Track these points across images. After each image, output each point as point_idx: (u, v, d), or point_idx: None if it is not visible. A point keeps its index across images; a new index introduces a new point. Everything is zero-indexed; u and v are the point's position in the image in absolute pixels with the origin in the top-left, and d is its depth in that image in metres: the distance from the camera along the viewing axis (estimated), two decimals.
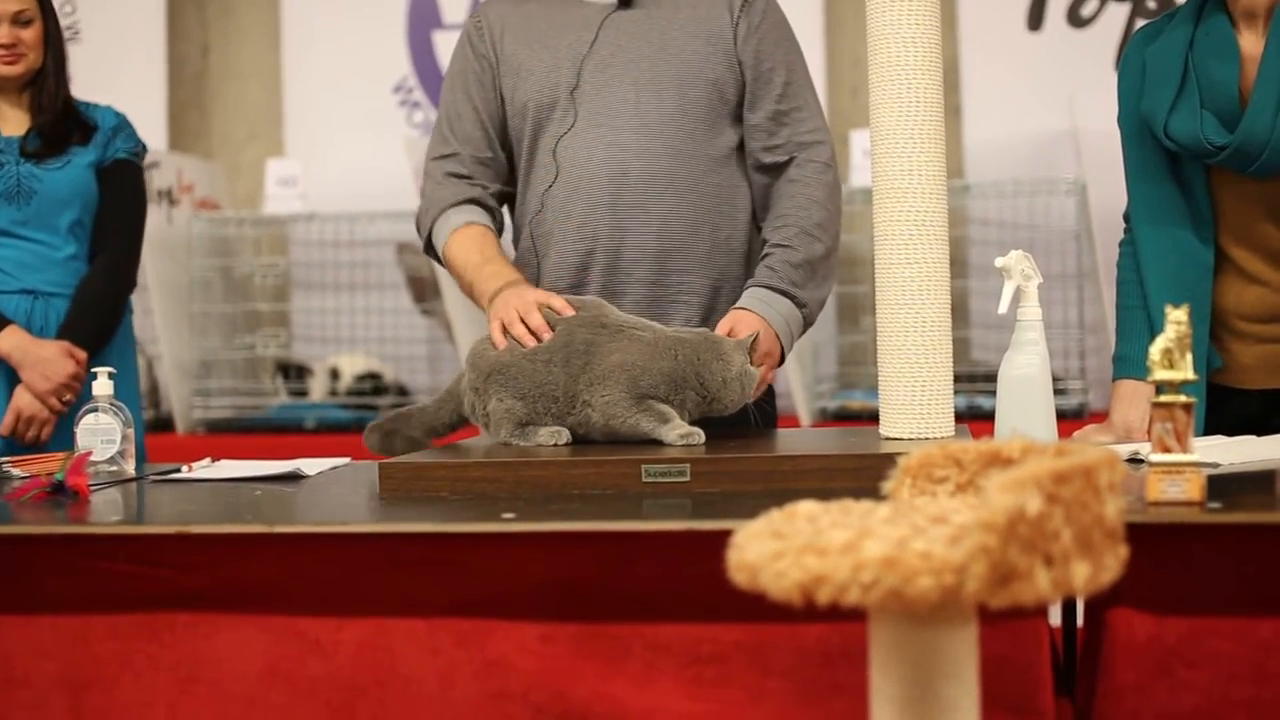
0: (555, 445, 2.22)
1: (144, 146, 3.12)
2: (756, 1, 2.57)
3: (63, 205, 2.95)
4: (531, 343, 2.27)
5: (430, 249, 2.63)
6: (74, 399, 2.87)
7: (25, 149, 2.95)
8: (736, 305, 2.45)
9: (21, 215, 2.92)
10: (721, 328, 2.38)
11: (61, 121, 2.99)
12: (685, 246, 2.50)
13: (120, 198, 3.03)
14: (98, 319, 2.96)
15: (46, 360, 2.85)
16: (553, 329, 2.27)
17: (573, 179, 2.51)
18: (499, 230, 2.61)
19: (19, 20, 2.95)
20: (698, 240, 2.51)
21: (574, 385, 2.23)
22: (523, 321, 2.29)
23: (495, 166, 2.61)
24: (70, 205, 2.96)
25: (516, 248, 2.63)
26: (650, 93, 2.50)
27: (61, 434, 2.87)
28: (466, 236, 2.54)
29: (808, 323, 2.51)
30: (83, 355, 2.89)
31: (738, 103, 2.55)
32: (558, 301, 2.31)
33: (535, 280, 2.55)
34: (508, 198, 2.65)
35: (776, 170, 2.55)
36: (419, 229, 2.63)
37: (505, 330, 2.31)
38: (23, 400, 2.85)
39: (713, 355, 2.23)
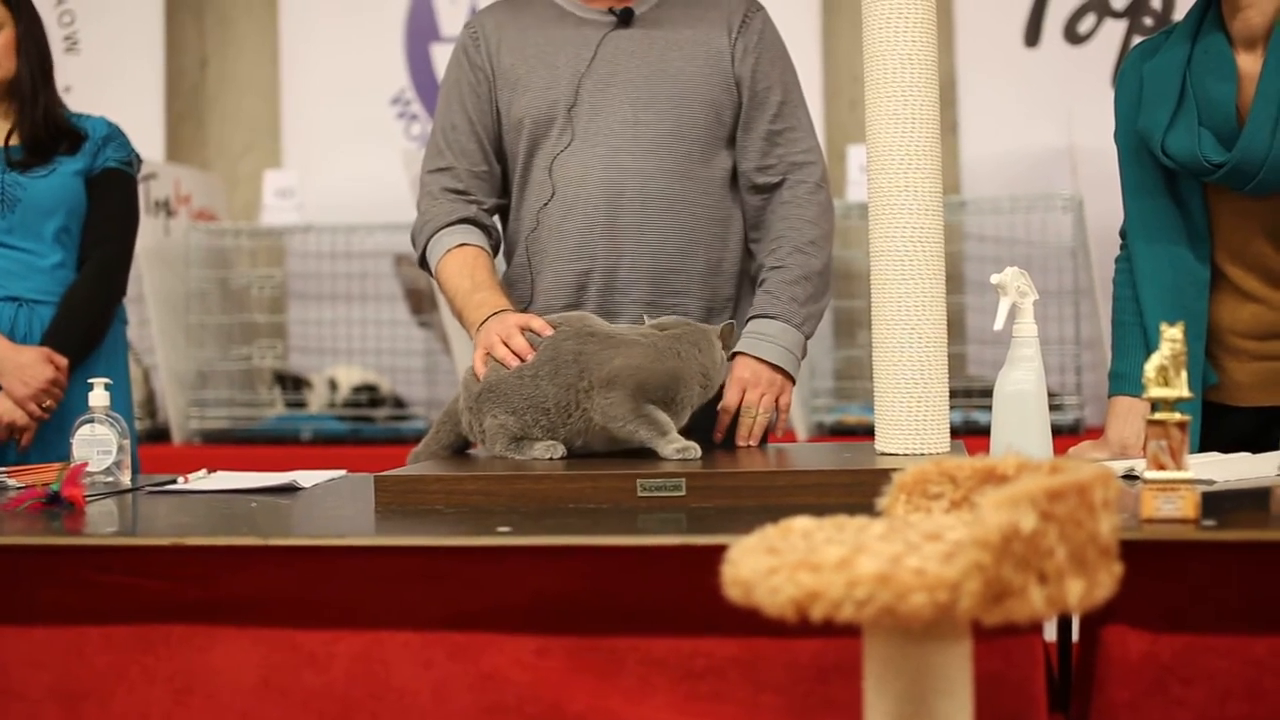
0: (550, 459, 2.22)
1: (137, 156, 3.09)
2: (754, 22, 2.57)
3: (47, 213, 2.93)
4: (514, 363, 2.26)
5: (424, 265, 2.63)
6: (54, 405, 2.85)
7: (10, 159, 2.94)
8: (736, 349, 2.46)
9: (6, 224, 2.90)
10: (734, 387, 2.44)
11: (47, 131, 2.97)
12: (680, 268, 2.50)
13: (108, 206, 3.00)
14: (82, 325, 2.94)
15: (24, 366, 2.83)
16: (535, 349, 2.27)
17: (569, 198, 2.51)
18: (495, 247, 2.61)
19: None
20: (693, 262, 2.51)
21: (567, 395, 2.23)
22: (505, 344, 2.30)
23: (491, 180, 2.61)
24: (55, 213, 2.94)
25: (510, 263, 2.63)
26: (648, 113, 2.50)
27: (45, 443, 2.87)
28: (459, 260, 2.53)
29: (807, 338, 2.53)
30: (62, 361, 2.87)
31: (733, 125, 2.56)
32: (537, 323, 2.30)
33: (529, 298, 2.55)
34: (502, 209, 2.65)
35: (769, 191, 2.56)
36: (414, 244, 2.63)
37: (488, 356, 2.31)
38: (2, 407, 2.84)
39: (708, 343, 2.29)
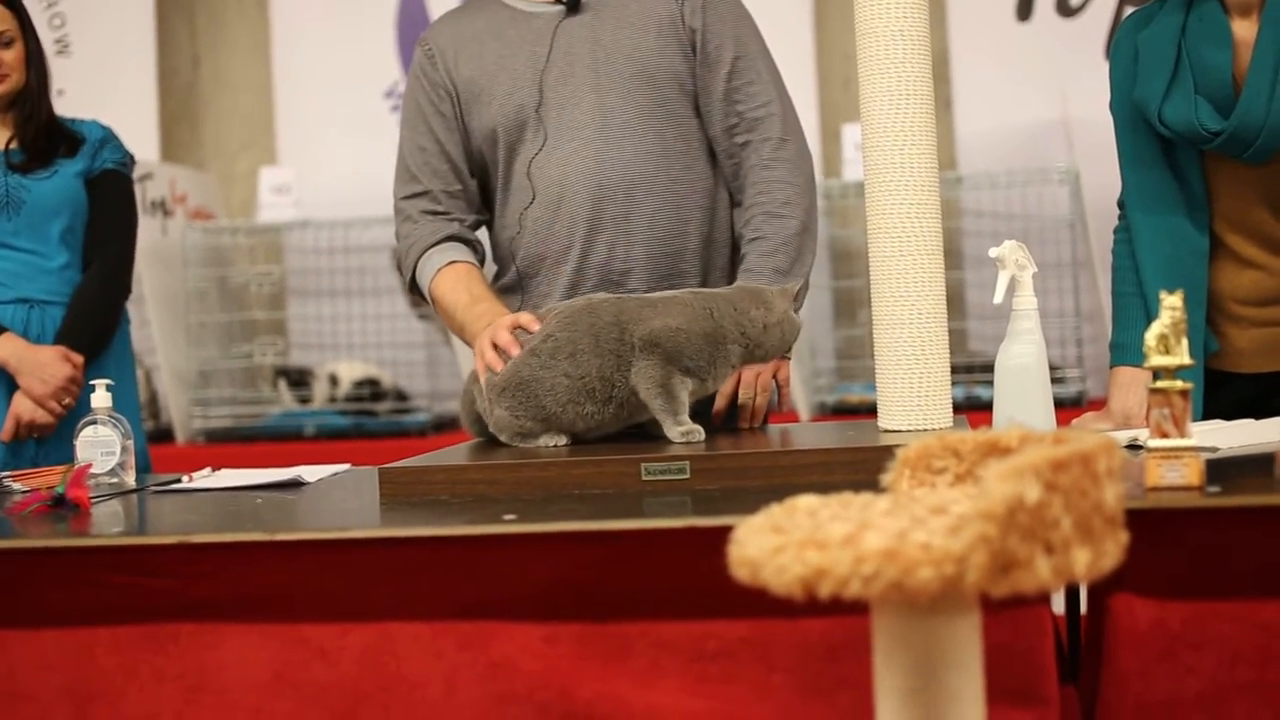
0: (554, 446, 2.21)
1: (131, 157, 3.15)
2: None
3: (52, 214, 2.98)
4: (500, 366, 2.23)
5: (414, 289, 2.60)
6: (73, 403, 2.90)
7: (11, 162, 2.97)
8: None
9: (12, 226, 2.95)
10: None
11: (48, 136, 3.02)
12: (675, 248, 2.49)
13: (110, 207, 3.06)
14: (94, 324, 2.99)
15: (43, 364, 2.88)
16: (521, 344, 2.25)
17: (551, 196, 2.48)
18: (481, 261, 2.59)
19: (0, 41, 2.97)
20: (687, 240, 2.50)
21: (612, 364, 2.19)
22: (493, 344, 2.26)
23: (466, 197, 2.59)
24: (60, 214, 2.98)
25: (500, 271, 2.61)
26: (613, 97, 2.48)
27: (61, 443, 2.88)
28: (452, 276, 2.51)
29: (799, 303, 2.52)
30: (79, 359, 2.91)
31: (698, 93, 2.53)
32: (525, 318, 2.27)
33: (522, 301, 2.53)
34: (483, 224, 2.63)
35: (738, 150, 2.52)
36: (400, 270, 2.61)
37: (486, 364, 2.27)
38: (22, 406, 2.88)
39: (753, 303, 2.24)
